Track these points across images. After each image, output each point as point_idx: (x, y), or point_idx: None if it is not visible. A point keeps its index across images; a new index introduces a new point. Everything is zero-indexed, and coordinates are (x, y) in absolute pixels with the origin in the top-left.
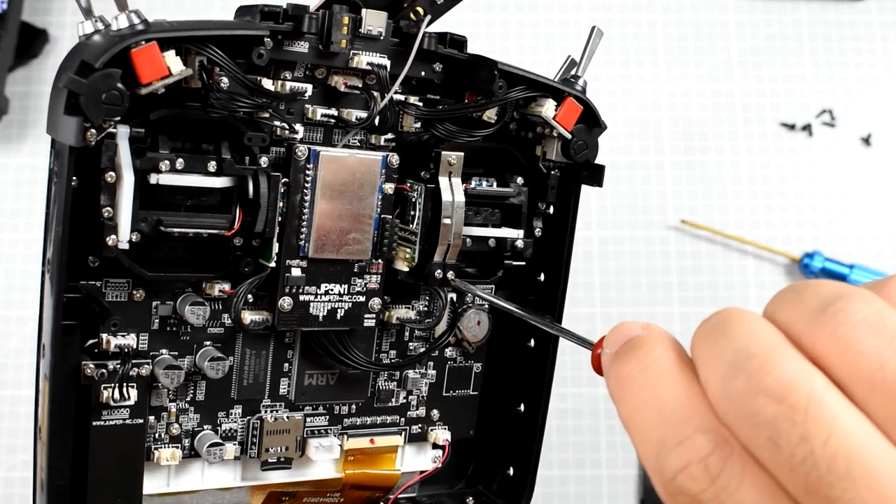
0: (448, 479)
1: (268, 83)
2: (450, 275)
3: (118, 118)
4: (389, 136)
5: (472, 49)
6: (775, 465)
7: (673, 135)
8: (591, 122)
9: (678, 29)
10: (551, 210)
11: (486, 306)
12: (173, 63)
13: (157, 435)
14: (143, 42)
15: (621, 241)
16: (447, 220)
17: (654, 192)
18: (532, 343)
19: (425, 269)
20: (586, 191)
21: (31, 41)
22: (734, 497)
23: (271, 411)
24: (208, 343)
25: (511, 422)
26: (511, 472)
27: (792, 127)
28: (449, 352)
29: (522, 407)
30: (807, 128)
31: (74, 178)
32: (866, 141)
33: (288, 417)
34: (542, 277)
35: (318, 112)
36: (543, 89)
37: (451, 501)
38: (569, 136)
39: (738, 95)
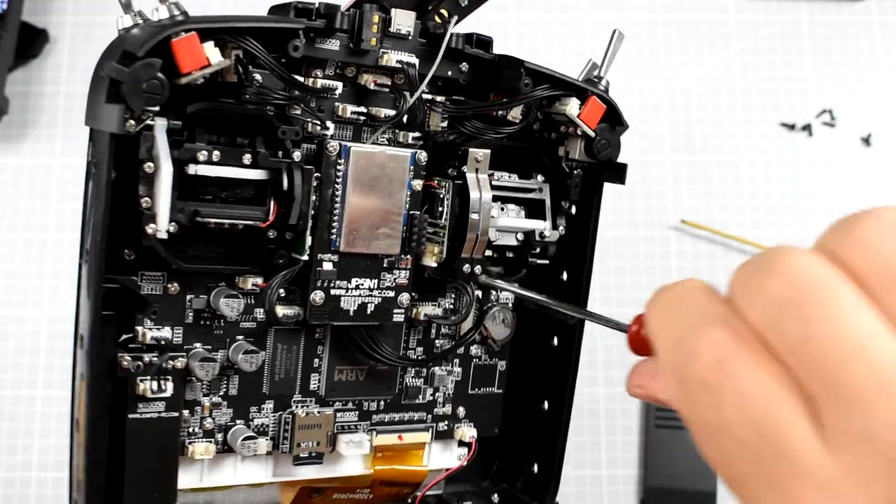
0: (474, 476)
1: (324, 83)
2: (477, 269)
3: (157, 109)
4: (417, 133)
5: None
6: (781, 348)
7: (673, 135)
8: (613, 121)
9: (678, 29)
10: (573, 209)
11: (511, 305)
12: (212, 54)
13: (191, 429)
14: (184, 32)
15: (621, 241)
16: (475, 216)
17: (654, 192)
18: (556, 341)
19: (453, 264)
20: None
21: (31, 41)
22: (741, 382)
23: (302, 406)
24: (241, 337)
25: (535, 419)
26: (536, 469)
27: (792, 127)
28: (474, 349)
29: (546, 405)
30: (807, 128)
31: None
32: (866, 141)
33: (319, 412)
34: (564, 276)
35: (349, 110)
36: (568, 88)
37: (477, 499)
38: (592, 134)
39: (738, 95)
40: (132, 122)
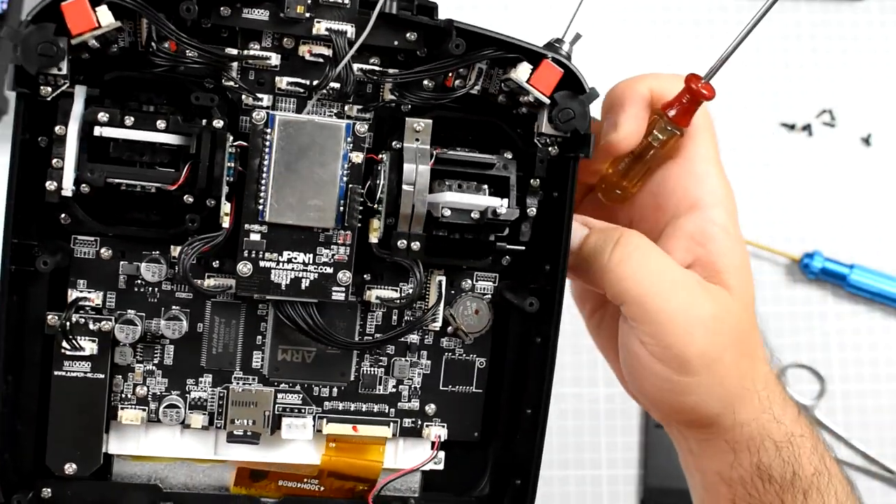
0: (460, 487)
1: (232, 52)
2: (415, 246)
3: (64, 72)
4: (361, 106)
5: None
6: None
7: None
8: (575, 87)
9: (678, 29)
10: (547, 190)
11: (489, 295)
12: (103, 16)
13: (123, 395)
14: None
15: None
16: (408, 187)
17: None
18: (538, 339)
19: (391, 240)
20: None
21: None
22: None
23: (242, 383)
24: (176, 308)
25: (520, 426)
26: (518, 483)
27: (792, 127)
28: (446, 342)
29: (530, 411)
30: (807, 128)
31: (43, 137)
32: (866, 141)
33: (255, 390)
34: (547, 267)
35: (284, 81)
36: (514, 51)
37: None
38: (547, 101)
39: (738, 95)
40: (48, 88)
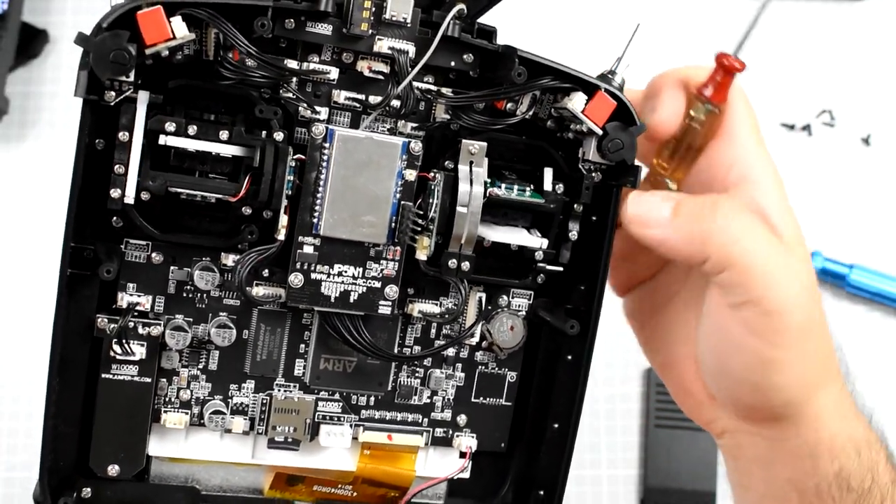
0: (482, 494)
1: (293, 63)
2: (465, 266)
3: (131, 79)
4: (415, 124)
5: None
6: None
7: None
8: (626, 119)
9: (678, 29)
10: (592, 217)
11: (523, 312)
12: (178, 28)
13: (167, 398)
14: (150, 6)
15: None
16: (462, 209)
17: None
18: (570, 357)
19: (440, 258)
20: None
21: (31, 41)
22: None
23: (283, 390)
24: (224, 314)
25: (546, 439)
26: (542, 494)
27: (792, 127)
28: (480, 356)
29: (557, 425)
30: (807, 128)
31: (101, 140)
32: (866, 141)
33: (298, 398)
34: (582, 288)
35: (343, 95)
36: (572, 81)
37: None
38: (599, 132)
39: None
40: (112, 93)
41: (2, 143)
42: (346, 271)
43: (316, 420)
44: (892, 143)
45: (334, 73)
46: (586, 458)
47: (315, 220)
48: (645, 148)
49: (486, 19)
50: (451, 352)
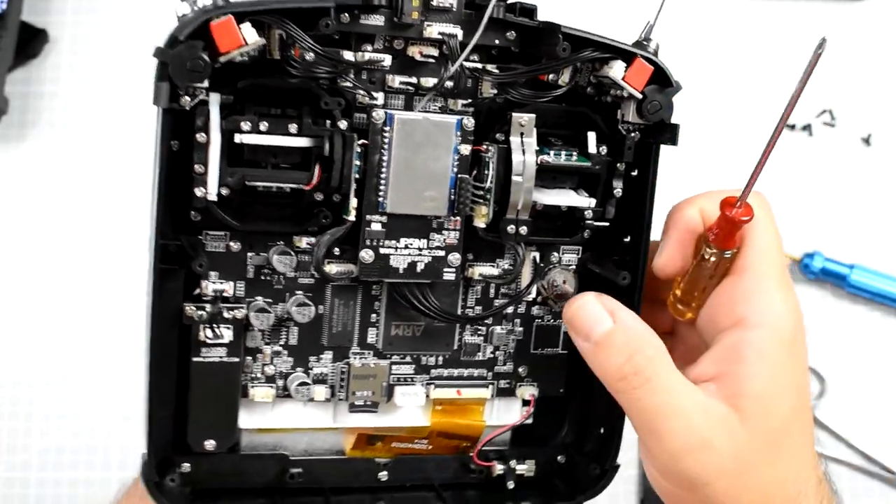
0: (541, 437)
1: (349, 54)
2: (522, 230)
3: (205, 85)
4: (467, 101)
5: (547, 16)
6: None
7: None
8: (662, 82)
9: (678, 29)
10: (633, 172)
11: (573, 266)
12: (248, 34)
13: (253, 374)
14: (221, 16)
15: None
16: (517, 178)
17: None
18: None
19: (499, 224)
20: None
21: (31, 41)
22: None
23: (360, 358)
24: (300, 292)
25: (597, 382)
26: (602, 431)
27: (792, 127)
28: (536, 310)
29: None
30: (807, 128)
31: (175, 141)
32: (866, 141)
33: (374, 364)
34: (627, 239)
35: (397, 80)
36: (611, 51)
37: (543, 459)
38: (639, 96)
39: (738, 95)
40: (187, 98)
41: (2, 143)
42: (411, 244)
43: (391, 382)
44: (893, 143)
45: (388, 59)
46: None
47: (381, 199)
48: (651, 285)
49: None
50: (509, 309)
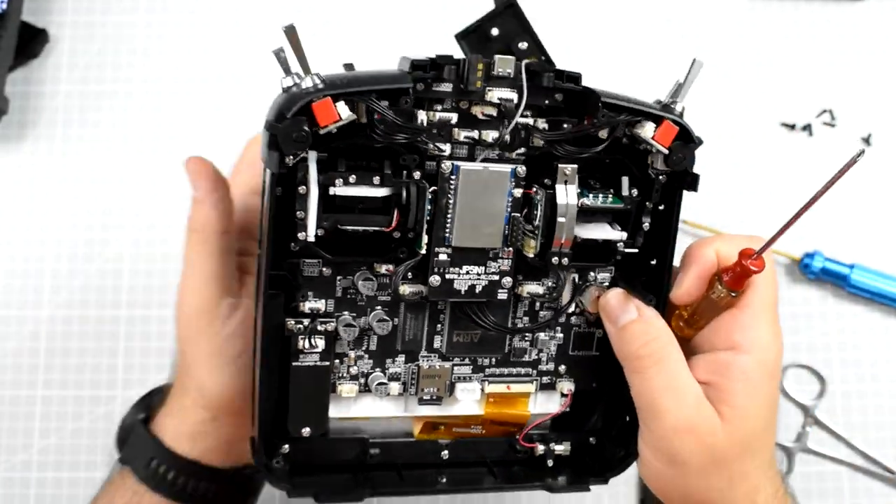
0: (577, 424)
1: (422, 114)
2: (564, 261)
3: (306, 149)
4: (520, 150)
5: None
6: None
7: None
8: (686, 139)
9: (678, 29)
10: (659, 207)
11: (606, 283)
12: (342, 110)
13: (340, 374)
14: (321, 97)
15: None
16: (561, 219)
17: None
18: None
19: (545, 255)
20: None
21: (31, 41)
22: None
23: (426, 360)
24: (378, 308)
25: (623, 379)
26: (627, 420)
27: (792, 127)
28: (574, 319)
29: None
30: (807, 128)
31: (280, 188)
32: (866, 141)
33: (439, 366)
34: (653, 262)
35: (462, 134)
36: (642, 115)
37: (577, 442)
38: (666, 151)
39: (738, 95)
40: (290, 157)
41: (2, 143)
42: (472, 270)
43: (452, 381)
44: (893, 143)
45: (454, 117)
46: None
47: (447, 235)
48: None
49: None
50: (545, 319)
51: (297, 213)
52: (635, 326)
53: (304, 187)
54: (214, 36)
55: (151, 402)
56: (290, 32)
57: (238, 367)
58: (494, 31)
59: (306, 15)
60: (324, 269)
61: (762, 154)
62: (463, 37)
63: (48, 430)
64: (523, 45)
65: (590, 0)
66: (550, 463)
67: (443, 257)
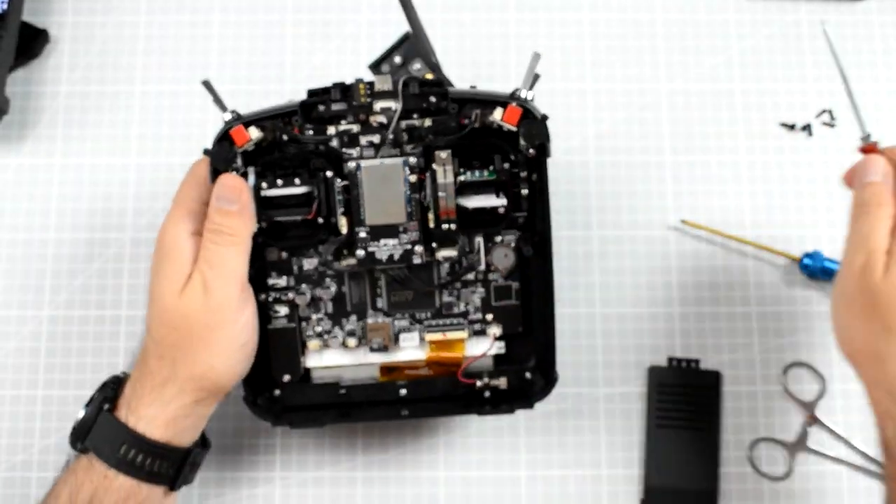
0: (513, 360)
1: (331, 128)
2: (452, 226)
3: (239, 163)
4: (412, 145)
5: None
6: None
7: (673, 135)
8: (531, 116)
9: (678, 29)
10: (532, 177)
11: (512, 243)
12: (253, 133)
13: (307, 333)
14: (234, 125)
15: (621, 241)
16: (442, 194)
17: (655, 192)
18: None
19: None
20: (587, 191)
21: (31, 41)
22: None
23: (373, 317)
24: (328, 280)
25: (542, 320)
26: (546, 354)
27: (792, 127)
28: (491, 276)
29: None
30: (807, 128)
31: None
32: (867, 141)
33: (381, 321)
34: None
35: (364, 139)
36: (489, 103)
37: (515, 376)
38: (515, 129)
39: (738, 95)
40: (234, 171)
41: (2, 143)
42: (388, 242)
43: (396, 332)
44: (893, 144)
45: (356, 127)
46: (586, 458)
47: (362, 216)
48: None
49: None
50: (472, 276)
51: None
52: (874, 187)
53: None
54: (214, 36)
55: (108, 394)
56: (207, 85)
57: (245, 353)
58: (397, 59)
59: (306, 15)
60: (282, 253)
61: (762, 154)
62: (374, 66)
63: (48, 430)
64: (417, 66)
65: (590, 0)
66: (487, 395)
67: (363, 234)
